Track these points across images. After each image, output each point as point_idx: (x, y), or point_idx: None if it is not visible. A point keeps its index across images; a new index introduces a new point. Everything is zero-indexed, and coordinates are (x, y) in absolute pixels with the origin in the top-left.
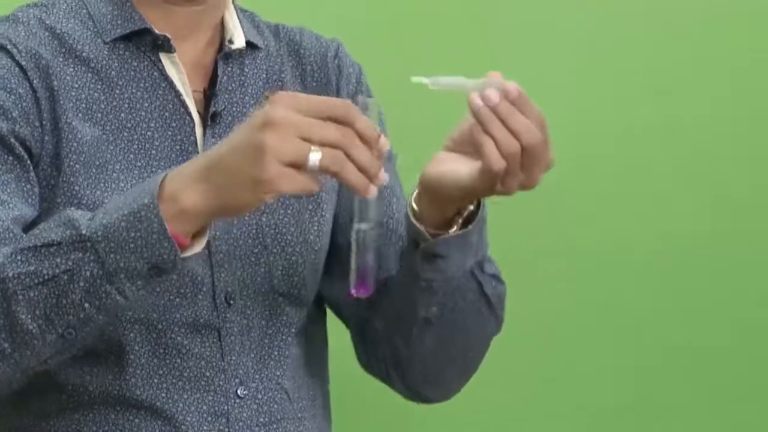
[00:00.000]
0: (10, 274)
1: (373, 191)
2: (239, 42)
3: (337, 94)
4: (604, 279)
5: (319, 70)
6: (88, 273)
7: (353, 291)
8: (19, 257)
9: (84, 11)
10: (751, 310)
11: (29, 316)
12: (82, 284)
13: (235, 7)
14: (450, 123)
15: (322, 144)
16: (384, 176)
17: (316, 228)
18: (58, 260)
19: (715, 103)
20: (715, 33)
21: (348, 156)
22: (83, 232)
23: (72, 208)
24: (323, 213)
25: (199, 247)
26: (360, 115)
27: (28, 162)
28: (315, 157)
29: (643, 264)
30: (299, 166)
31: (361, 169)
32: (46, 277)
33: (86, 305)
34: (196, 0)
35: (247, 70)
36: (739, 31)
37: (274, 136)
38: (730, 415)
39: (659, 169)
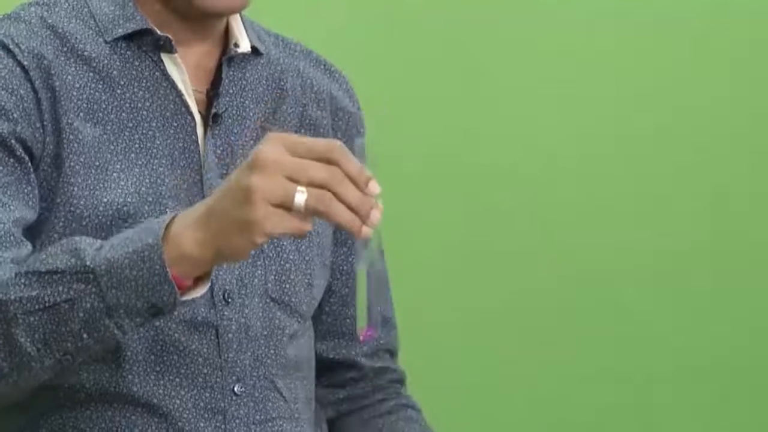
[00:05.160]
0: (12, 297)
1: (366, 232)
2: (245, 46)
3: (333, 132)
4: (603, 280)
5: (318, 86)
6: (88, 305)
7: (360, 334)
8: (22, 280)
9: (86, 10)
10: (751, 312)
11: (28, 339)
12: (81, 315)
13: (240, 13)
14: (441, 126)
15: (310, 184)
16: (377, 217)
17: (307, 238)
18: (60, 288)
19: (715, 103)
20: (714, 33)
21: (336, 196)
22: (87, 263)
23: (79, 237)
24: (316, 228)
25: (200, 290)
26: (348, 156)
27: (29, 164)
28: (300, 197)
29: (643, 265)
30: (286, 206)
31: (351, 209)
32: (47, 304)
33: (84, 335)
34: (216, 15)
35: (248, 74)
36: (739, 31)
37: (261, 177)
38: (731, 414)
39: (659, 170)
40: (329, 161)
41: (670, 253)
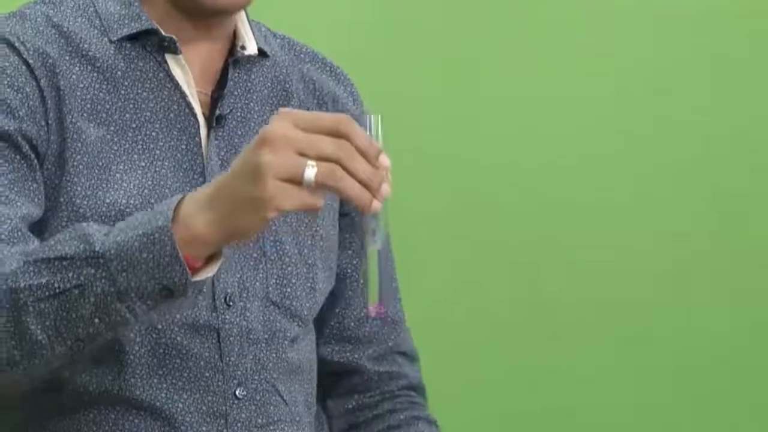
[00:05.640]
0: (22, 285)
1: (376, 206)
2: (252, 49)
3: None
4: (603, 279)
5: (322, 89)
6: (99, 289)
7: (371, 309)
8: (31, 268)
9: (91, 9)
10: (752, 312)
11: (39, 327)
12: (92, 300)
13: (247, 15)
14: (446, 125)
15: (319, 158)
16: (387, 190)
17: (309, 242)
18: (70, 274)
19: (713, 104)
20: (713, 34)
21: (346, 170)
22: (97, 248)
23: (87, 222)
24: (317, 228)
25: (211, 271)
26: (358, 129)
27: (35, 161)
28: (311, 171)
29: (643, 264)
30: (296, 181)
31: (361, 183)
32: (57, 290)
33: (96, 320)
34: (223, 12)
35: (254, 76)
36: (737, 32)
37: (270, 153)
38: (731, 414)
39: (659, 169)
40: (338, 135)
41: (670, 252)
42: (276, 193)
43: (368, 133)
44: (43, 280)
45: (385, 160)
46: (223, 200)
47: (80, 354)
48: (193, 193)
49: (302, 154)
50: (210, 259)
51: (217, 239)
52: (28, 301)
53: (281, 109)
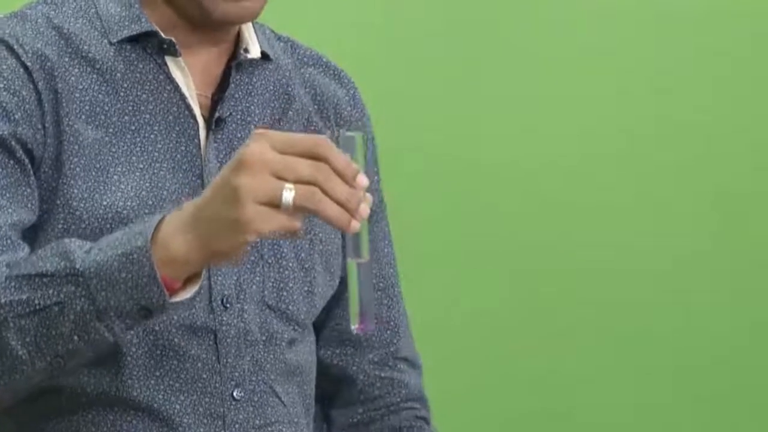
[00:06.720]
0: (3, 301)
1: (355, 226)
2: (255, 52)
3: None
4: (604, 279)
5: (324, 93)
6: (78, 307)
7: (354, 328)
8: (12, 284)
9: (92, 10)
10: (752, 312)
11: (19, 342)
12: (72, 317)
13: None
14: (450, 123)
15: (297, 181)
16: (366, 210)
17: (308, 246)
18: (51, 291)
19: (715, 103)
20: (715, 33)
21: (324, 192)
22: (77, 266)
23: (69, 238)
24: (316, 232)
25: (190, 292)
26: (335, 150)
27: (29, 165)
28: (288, 195)
29: (643, 264)
30: (274, 204)
31: (340, 204)
32: (37, 307)
33: (75, 338)
34: (226, 25)
35: (255, 80)
36: (739, 31)
37: (247, 176)
38: (731, 414)
39: (660, 169)
40: (316, 157)
41: (670, 252)
42: (254, 217)
43: (351, 150)
44: (24, 296)
45: (362, 180)
46: (202, 222)
47: (60, 369)
48: (173, 213)
49: (280, 177)
50: (191, 279)
51: (196, 260)
52: (8, 316)
53: (257, 131)
